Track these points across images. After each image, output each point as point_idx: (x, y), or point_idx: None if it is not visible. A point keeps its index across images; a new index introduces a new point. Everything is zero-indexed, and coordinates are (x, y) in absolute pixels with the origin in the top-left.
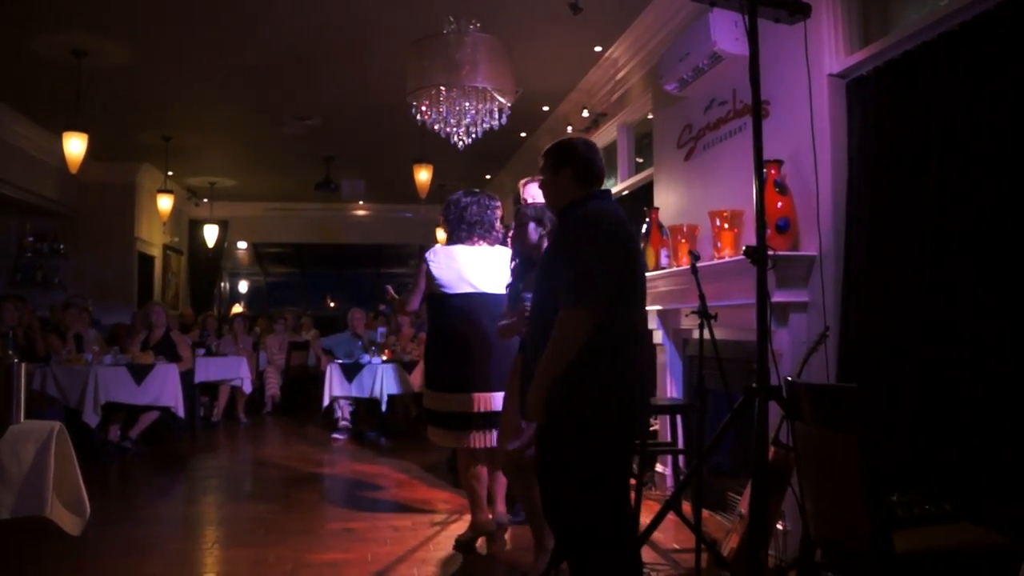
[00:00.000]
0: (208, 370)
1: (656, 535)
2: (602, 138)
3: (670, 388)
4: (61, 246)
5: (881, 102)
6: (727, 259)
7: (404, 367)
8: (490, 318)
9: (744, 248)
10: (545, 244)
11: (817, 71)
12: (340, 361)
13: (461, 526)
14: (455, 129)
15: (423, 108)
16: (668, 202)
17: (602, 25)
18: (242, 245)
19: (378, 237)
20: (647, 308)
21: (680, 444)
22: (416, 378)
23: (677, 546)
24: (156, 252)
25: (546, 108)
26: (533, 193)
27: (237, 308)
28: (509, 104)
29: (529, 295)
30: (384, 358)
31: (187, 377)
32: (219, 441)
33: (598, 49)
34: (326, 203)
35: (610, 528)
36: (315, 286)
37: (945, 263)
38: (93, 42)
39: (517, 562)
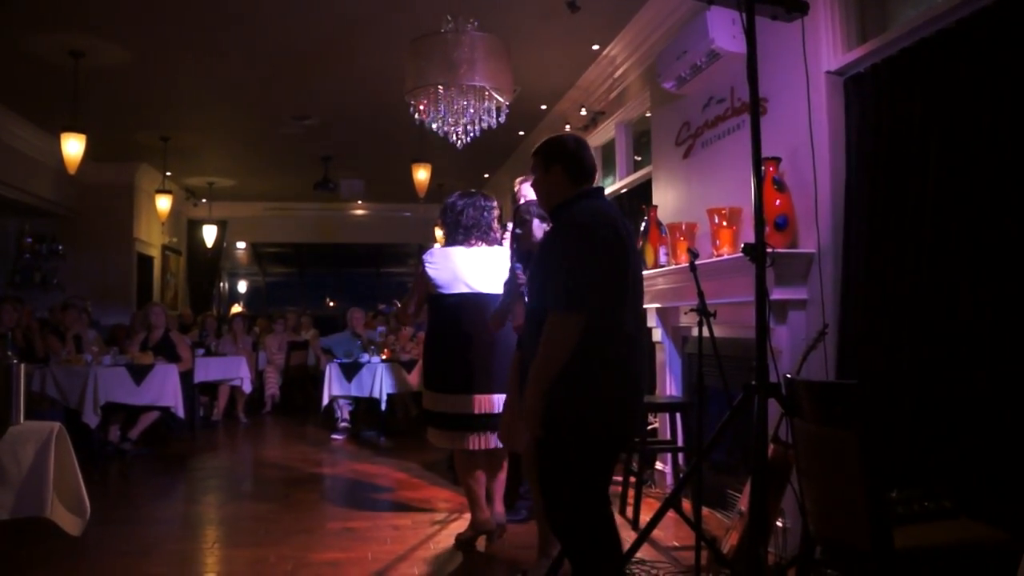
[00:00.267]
0: (207, 370)
1: (656, 533)
2: (600, 136)
3: (669, 386)
4: (60, 247)
5: (879, 99)
6: (726, 257)
7: (403, 366)
8: (487, 318)
9: (743, 246)
10: None
11: (815, 68)
12: (339, 360)
13: (461, 524)
14: (453, 128)
15: (421, 107)
16: (667, 200)
17: (600, 23)
18: (241, 245)
19: (377, 236)
20: (646, 306)
21: (680, 442)
22: (415, 378)
23: (677, 543)
24: (155, 252)
25: (544, 107)
26: (528, 192)
27: (236, 308)
28: (507, 103)
29: (520, 266)
30: (383, 357)
31: (187, 377)
32: (219, 441)
33: (596, 47)
34: (325, 203)
35: (606, 529)
36: (314, 286)
37: (944, 259)
38: (90, 42)
39: (517, 560)
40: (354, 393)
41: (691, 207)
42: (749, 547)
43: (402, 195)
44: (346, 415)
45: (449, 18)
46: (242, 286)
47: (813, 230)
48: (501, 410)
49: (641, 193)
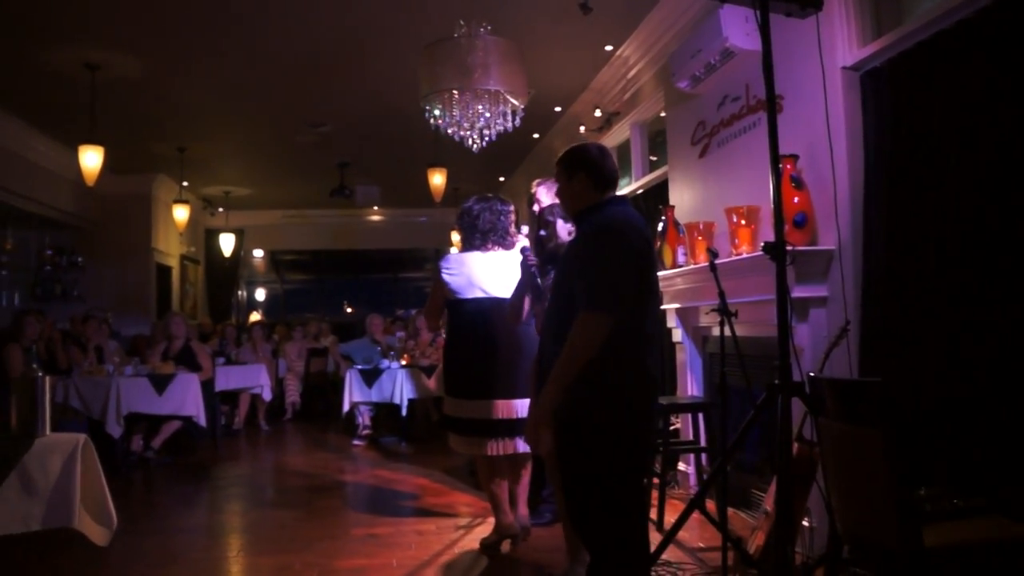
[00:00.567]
0: (228, 379)
1: (681, 534)
2: (615, 137)
3: (691, 386)
4: (79, 259)
5: (896, 94)
6: (745, 255)
7: (423, 371)
8: (506, 323)
9: (763, 244)
10: None
11: (830, 64)
12: (359, 367)
13: (485, 529)
14: (469, 132)
15: (436, 112)
16: (683, 200)
17: (612, 24)
18: (258, 253)
19: (394, 242)
20: (665, 307)
21: (702, 442)
22: (434, 382)
23: (703, 544)
24: (173, 262)
25: (558, 109)
26: (545, 195)
27: (255, 316)
28: (522, 106)
29: (528, 247)
30: (403, 363)
31: (207, 386)
32: (241, 449)
33: (609, 48)
34: (341, 209)
35: (630, 530)
36: (332, 292)
37: (966, 254)
38: (105, 55)
39: (542, 563)
40: (374, 399)
41: (708, 206)
42: (776, 547)
43: (418, 200)
44: (367, 421)
45: (462, 23)
46: (260, 294)
47: (832, 227)
48: (522, 415)
49: (657, 193)
